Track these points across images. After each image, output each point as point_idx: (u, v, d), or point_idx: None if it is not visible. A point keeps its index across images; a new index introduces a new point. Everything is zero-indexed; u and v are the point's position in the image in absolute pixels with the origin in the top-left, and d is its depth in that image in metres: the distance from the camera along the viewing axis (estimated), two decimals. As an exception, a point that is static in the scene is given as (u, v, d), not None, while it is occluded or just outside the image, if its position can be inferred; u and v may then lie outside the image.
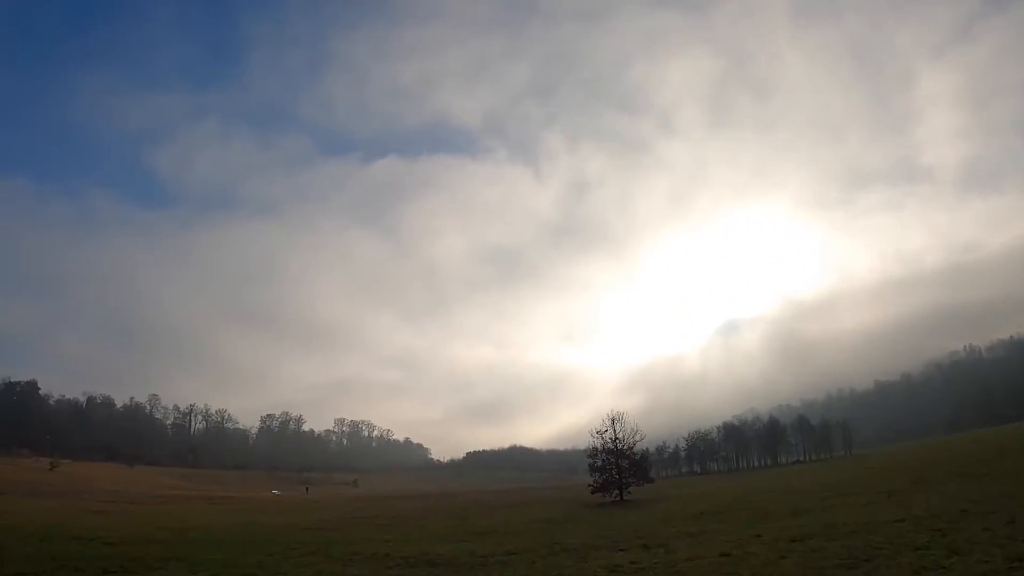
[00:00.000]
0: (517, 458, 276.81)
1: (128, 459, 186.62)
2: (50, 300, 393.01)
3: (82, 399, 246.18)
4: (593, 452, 69.13)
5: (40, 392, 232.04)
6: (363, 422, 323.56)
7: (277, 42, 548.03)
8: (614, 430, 69.43)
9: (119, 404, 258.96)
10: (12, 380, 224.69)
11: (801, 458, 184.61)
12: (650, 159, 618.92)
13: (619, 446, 68.76)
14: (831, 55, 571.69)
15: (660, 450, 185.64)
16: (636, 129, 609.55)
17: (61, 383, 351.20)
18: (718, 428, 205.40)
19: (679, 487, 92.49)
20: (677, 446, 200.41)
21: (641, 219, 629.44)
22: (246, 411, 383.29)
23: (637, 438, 70.68)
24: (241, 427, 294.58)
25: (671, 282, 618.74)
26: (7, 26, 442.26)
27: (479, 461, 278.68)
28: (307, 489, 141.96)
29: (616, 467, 67.73)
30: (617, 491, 66.45)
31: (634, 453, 70.18)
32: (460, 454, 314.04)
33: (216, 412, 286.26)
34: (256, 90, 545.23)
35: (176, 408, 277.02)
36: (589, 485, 67.61)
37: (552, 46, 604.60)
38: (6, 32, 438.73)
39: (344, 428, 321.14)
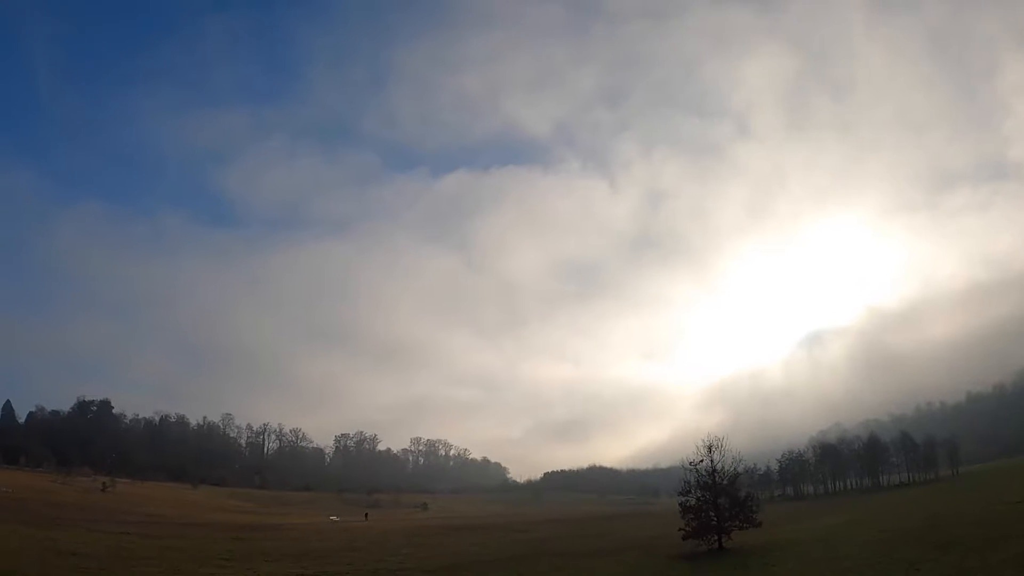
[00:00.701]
0: (597, 479, 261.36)
1: (194, 479, 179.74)
2: (125, 320, 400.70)
3: (155, 418, 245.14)
4: (685, 489, 52.97)
5: (113, 411, 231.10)
6: (440, 441, 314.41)
7: (336, 56, 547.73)
8: (711, 460, 53.17)
9: (193, 424, 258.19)
10: (87, 399, 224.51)
11: (905, 479, 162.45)
12: (726, 165, 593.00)
13: (717, 480, 52.49)
14: (910, 47, 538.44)
15: (750, 472, 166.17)
16: (711, 133, 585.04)
17: (135, 403, 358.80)
18: (813, 448, 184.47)
19: (784, 520, 74.92)
20: (768, 467, 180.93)
21: (719, 228, 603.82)
22: (321, 430, 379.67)
23: (739, 468, 54.20)
24: (316, 446, 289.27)
25: (751, 293, 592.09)
26: (68, 51, 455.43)
27: (558, 482, 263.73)
28: (367, 515, 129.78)
29: (714, 506, 51.32)
30: (715, 537, 50.07)
31: (736, 489, 53.55)
32: (538, 474, 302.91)
33: (291, 431, 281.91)
34: (319, 106, 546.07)
35: (249, 427, 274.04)
36: (681, 530, 51.30)
37: (619, 48, 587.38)
38: (68, 58, 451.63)
39: (420, 447, 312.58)
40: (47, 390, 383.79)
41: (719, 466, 52.39)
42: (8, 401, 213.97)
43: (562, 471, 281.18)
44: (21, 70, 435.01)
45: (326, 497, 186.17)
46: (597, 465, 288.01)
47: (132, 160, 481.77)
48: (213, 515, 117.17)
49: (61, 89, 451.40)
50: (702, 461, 52.62)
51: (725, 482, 52.31)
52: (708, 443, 53.26)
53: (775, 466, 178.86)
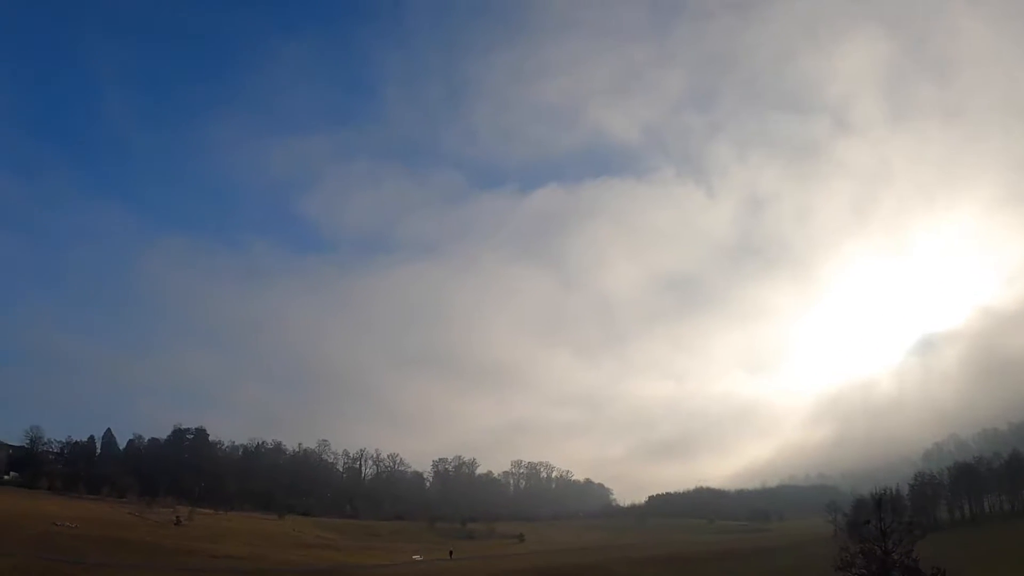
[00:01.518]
0: (704, 501, 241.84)
1: (281, 508, 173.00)
2: (221, 349, 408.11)
3: (251, 445, 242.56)
4: (846, 562, 37.60)
5: (209, 439, 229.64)
6: (541, 463, 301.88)
7: (410, 73, 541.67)
8: (880, 520, 37.68)
9: (289, 450, 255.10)
10: (182, 427, 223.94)
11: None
12: (826, 163, 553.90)
13: (889, 547, 36.90)
14: (1018, 22, 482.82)
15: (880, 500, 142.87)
16: (808, 130, 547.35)
17: (232, 430, 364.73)
18: (949, 468, 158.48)
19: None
20: (897, 491, 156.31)
21: (822, 232, 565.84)
22: (419, 455, 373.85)
23: (914, 529, 38.74)
24: (415, 470, 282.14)
25: (858, 299, 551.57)
26: (141, 85, 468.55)
27: (663, 506, 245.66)
28: (451, 553, 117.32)
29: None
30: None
31: (914, 560, 37.65)
32: (642, 495, 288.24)
33: (388, 457, 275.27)
34: (397, 125, 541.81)
35: (346, 453, 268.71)
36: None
37: (705, 46, 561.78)
38: (141, 93, 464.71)
39: (521, 470, 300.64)
40: (148, 419, 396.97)
41: (890, 527, 36.87)
42: (108, 429, 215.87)
43: (667, 494, 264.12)
44: (99, 107, 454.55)
45: (417, 528, 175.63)
46: (704, 486, 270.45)
47: (215, 191, 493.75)
48: (288, 552, 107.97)
49: (137, 124, 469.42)
50: (867, 522, 37.42)
51: (897, 552, 36.82)
52: (876, 497, 37.98)
53: (888, 482, 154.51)
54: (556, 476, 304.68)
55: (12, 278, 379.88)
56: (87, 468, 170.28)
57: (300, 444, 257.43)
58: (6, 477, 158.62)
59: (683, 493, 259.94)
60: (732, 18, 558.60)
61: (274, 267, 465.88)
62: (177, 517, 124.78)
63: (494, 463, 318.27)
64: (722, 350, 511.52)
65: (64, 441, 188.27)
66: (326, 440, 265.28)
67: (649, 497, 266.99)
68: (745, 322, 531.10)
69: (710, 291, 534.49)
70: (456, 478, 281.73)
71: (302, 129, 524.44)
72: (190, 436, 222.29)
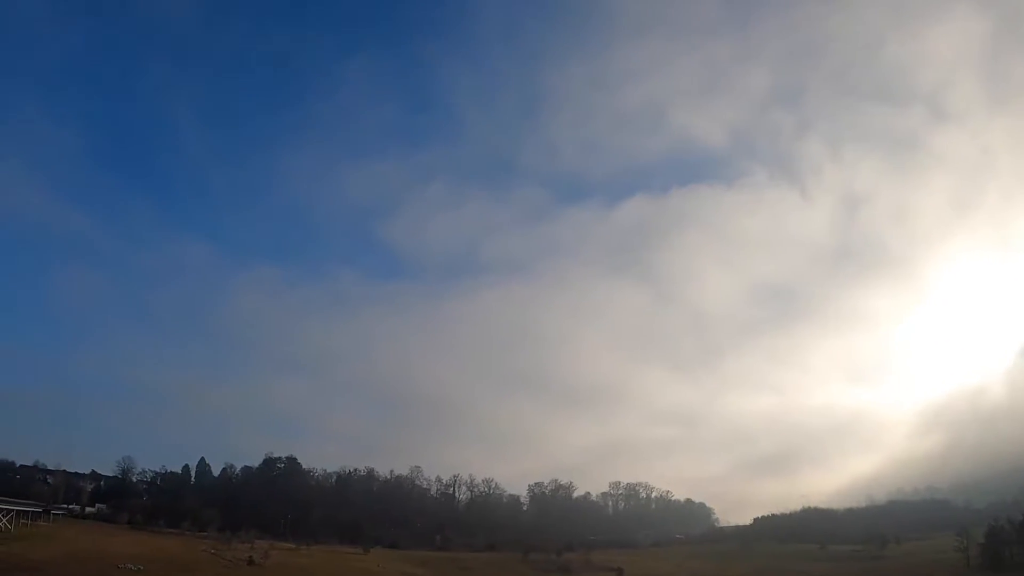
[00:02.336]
0: (812, 523, 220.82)
1: (368, 541, 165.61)
2: (309, 377, 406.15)
3: (343, 472, 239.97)
4: None
5: (301, 467, 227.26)
6: (640, 484, 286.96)
7: (484, 88, 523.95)
8: None
9: (381, 477, 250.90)
10: (273, 455, 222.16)
11: None
12: (924, 155, 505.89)
13: None
14: None
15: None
16: (902, 121, 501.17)
17: (324, 457, 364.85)
18: None
19: None
20: None
21: (922, 229, 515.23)
22: (514, 477, 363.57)
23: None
24: (512, 493, 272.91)
25: (964, 300, 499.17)
26: (218, 123, 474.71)
27: (769, 529, 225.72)
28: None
29: None
30: None
31: None
32: (743, 512, 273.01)
33: (482, 482, 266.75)
34: (474, 143, 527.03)
35: (439, 479, 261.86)
36: None
37: (789, 38, 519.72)
38: (219, 132, 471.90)
39: (620, 491, 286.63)
40: (241, 448, 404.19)
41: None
42: (203, 458, 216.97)
43: (773, 515, 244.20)
44: (174, 143, 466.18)
45: (509, 560, 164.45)
46: (811, 506, 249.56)
47: (295, 221, 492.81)
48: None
49: (213, 158, 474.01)
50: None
51: None
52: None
53: (1002, 492, 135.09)
54: (656, 496, 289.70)
55: (100, 314, 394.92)
56: (171, 501, 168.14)
57: (392, 471, 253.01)
58: (89, 510, 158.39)
59: (790, 515, 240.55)
60: (816, 5, 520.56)
61: (359, 294, 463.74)
62: (251, 556, 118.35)
63: (591, 483, 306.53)
64: (821, 360, 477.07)
65: (157, 471, 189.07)
66: (419, 466, 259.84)
67: (754, 519, 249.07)
68: (844, 330, 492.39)
69: (807, 299, 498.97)
70: (553, 501, 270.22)
71: (378, 153, 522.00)
72: (281, 465, 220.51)
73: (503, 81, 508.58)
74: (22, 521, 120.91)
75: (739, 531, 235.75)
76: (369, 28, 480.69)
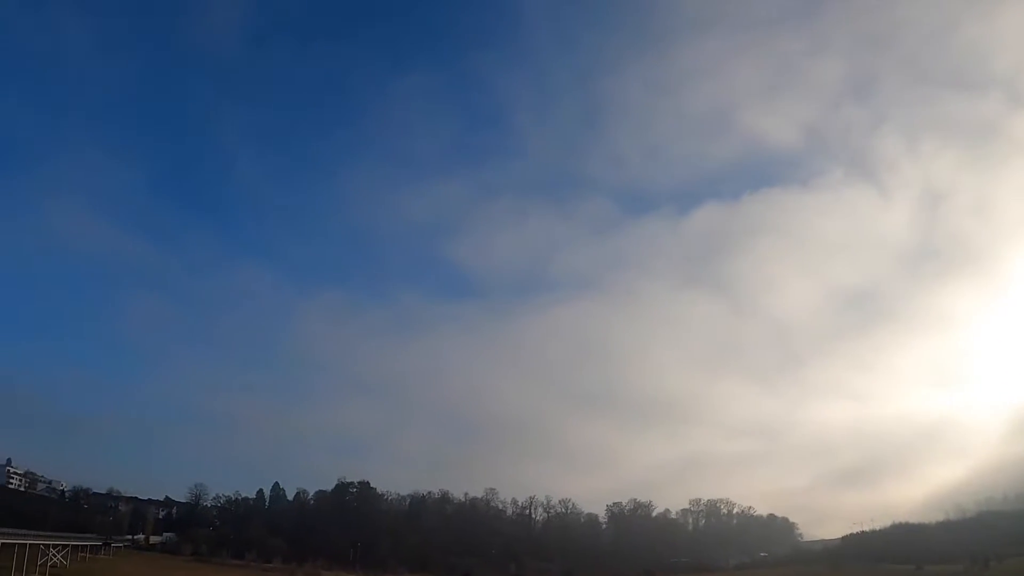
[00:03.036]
0: (903, 540, 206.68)
1: (440, 570, 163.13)
2: (379, 399, 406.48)
3: (417, 496, 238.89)
4: None
5: (375, 491, 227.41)
6: (721, 500, 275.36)
7: (541, 98, 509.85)
8: None
9: (456, 499, 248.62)
10: (346, 480, 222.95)
11: None
12: (1004, 143, 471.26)
13: None
14: None
15: None
16: (980, 109, 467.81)
17: (397, 481, 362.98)
18: None
19: None
20: None
21: (1005, 223, 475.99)
22: (591, 494, 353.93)
23: None
24: (589, 512, 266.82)
25: None
26: (275, 149, 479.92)
27: (859, 547, 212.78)
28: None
29: None
30: None
31: None
32: (827, 526, 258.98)
33: (559, 502, 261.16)
34: (536, 156, 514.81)
35: (515, 501, 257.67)
36: None
37: (859, 26, 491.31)
38: (276, 157, 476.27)
39: (700, 507, 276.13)
40: (314, 472, 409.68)
41: None
42: (276, 483, 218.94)
43: (862, 533, 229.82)
44: (233, 170, 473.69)
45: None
46: (901, 521, 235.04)
47: (358, 243, 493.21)
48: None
49: (272, 183, 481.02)
50: None
51: None
52: None
53: None
54: (737, 512, 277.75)
55: (169, 341, 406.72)
56: (239, 529, 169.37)
57: (466, 493, 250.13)
58: (155, 539, 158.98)
59: (880, 531, 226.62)
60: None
61: (425, 315, 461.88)
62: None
63: (668, 500, 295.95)
64: (904, 365, 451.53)
65: (230, 496, 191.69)
66: (494, 488, 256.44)
67: (843, 537, 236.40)
68: (928, 332, 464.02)
69: (888, 301, 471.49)
70: (632, 520, 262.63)
71: (438, 172, 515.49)
72: (354, 489, 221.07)
73: (561, 91, 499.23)
74: (80, 555, 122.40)
75: (827, 550, 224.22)
76: (419, 45, 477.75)
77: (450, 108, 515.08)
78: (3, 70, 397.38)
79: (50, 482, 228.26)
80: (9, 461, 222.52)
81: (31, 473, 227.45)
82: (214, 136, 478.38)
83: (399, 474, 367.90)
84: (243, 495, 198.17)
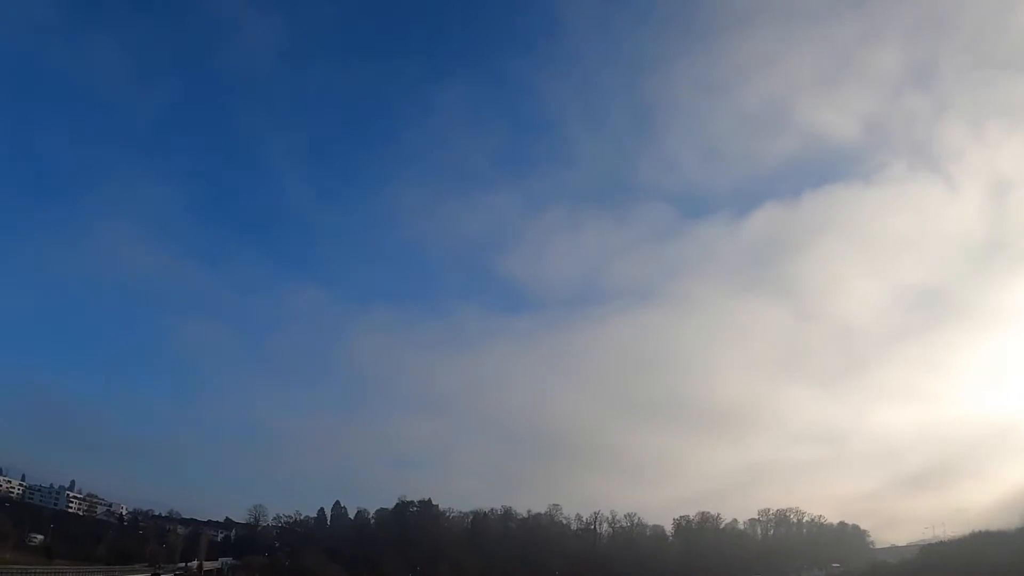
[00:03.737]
0: (983, 550, 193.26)
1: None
2: (437, 416, 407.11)
3: (479, 514, 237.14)
4: None
5: (436, 508, 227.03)
6: (791, 509, 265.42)
7: (587, 102, 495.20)
8: None
9: (518, 515, 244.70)
10: (406, 499, 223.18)
11: None
12: None
13: None
14: None
15: None
16: None
17: (458, 498, 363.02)
18: None
19: None
20: None
21: None
22: (655, 507, 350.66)
23: None
24: (655, 524, 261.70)
25: None
26: (320, 169, 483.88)
27: (938, 558, 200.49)
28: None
29: None
30: None
31: None
32: (901, 534, 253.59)
33: (624, 516, 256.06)
34: (586, 163, 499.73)
35: (579, 517, 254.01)
36: None
37: (916, 10, 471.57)
38: (323, 177, 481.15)
39: (769, 517, 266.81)
40: (374, 490, 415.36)
41: None
42: (337, 502, 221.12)
43: (940, 542, 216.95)
44: (274, 189, 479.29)
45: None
46: (979, 530, 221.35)
47: (409, 260, 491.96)
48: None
49: (312, 200, 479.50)
50: None
51: None
52: None
53: None
54: (807, 520, 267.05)
55: (221, 363, 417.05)
56: (296, 552, 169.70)
57: (529, 510, 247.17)
58: (210, 564, 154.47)
59: (958, 540, 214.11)
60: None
61: (480, 329, 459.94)
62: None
63: (735, 509, 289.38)
64: (974, 364, 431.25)
65: (290, 517, 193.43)
66: (557, 504, 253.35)
67: (921, 547, 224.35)
68: (998, 330, 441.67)
69: (957, 299, 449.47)
70: (700, 534, 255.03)
71: (487, 183, 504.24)
72: (414, 508, 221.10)
73: (608, 95, 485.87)
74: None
75: (903, 562, 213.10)
76: (457, 53, 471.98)
77: (494, 117, 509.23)
78: (47, 101, 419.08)
79: (110, 505, 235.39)
80: (72, 484, 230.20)
81: (92, 496, 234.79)
82: (259, 158, 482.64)
83: (460, 488, 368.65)
84: (304, 515, 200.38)
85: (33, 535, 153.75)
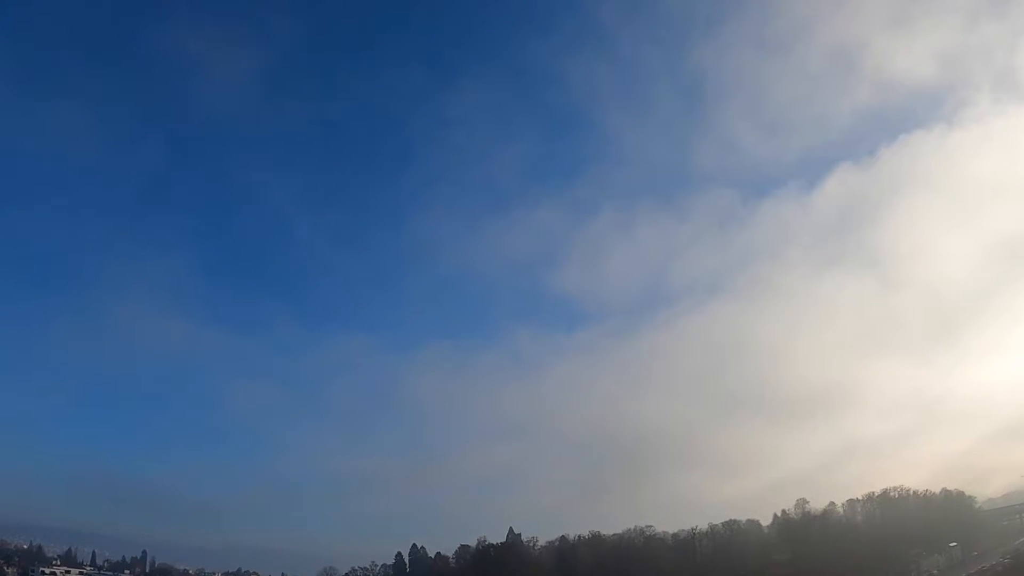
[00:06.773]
0: None
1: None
2: (511, 442, 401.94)
3: (565, 544, 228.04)
4: None
5: (519, 540, 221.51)
6: (895, 487, 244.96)
7: (624, 85, 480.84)
8: None
9: (607, 539, 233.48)
10: (486, 541, 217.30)
11: None
12: None
13: None
14: None
15: None
16: None
17: (541, 525, 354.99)
18: None
19: None
20: None
21: None
22: (751, 501, 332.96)
23: None
24: (750, 519, 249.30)
25: None
26: (327, 208, 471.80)
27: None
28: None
29: None
30: None
31: None
32: (996, 485, 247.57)
33: (723, 525, 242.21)
34: (634, 155, 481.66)
35: (675, 536, 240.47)
36: None
37: None
38: (331, 218, 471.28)
39: (875, 500, 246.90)
40: (452, 528, 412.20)
41: None
42: (413, 545, 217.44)
43: None
44: (289, 239, 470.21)
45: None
46: None
47: (451, 293, 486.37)
48: None
49: (331, 248, 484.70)
50: None
51: None
52: None
53: None
54: (912, 496, 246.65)
55: (277, 420, 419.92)
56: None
57: (617, 534, 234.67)
58: None
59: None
60: None
61: (540, 351, 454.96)
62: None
63: (832, 492, 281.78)
64: None
65: (367, 569, 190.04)
66: (651, 525, 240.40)
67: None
68: None
69: None
70: (802, 527, 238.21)
71: (524, 196, 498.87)
72: (495, 549, 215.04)
73: (648, 73, 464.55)
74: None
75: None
76: (463, 49, 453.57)
77: (519, 118, 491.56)
78: (15, 179, 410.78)
79: (184, 571, 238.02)
80: (144, 554, 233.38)
81: (164, 566, 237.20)
82: (261, 204, 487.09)
83: (545, 506, 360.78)
84: (379, 563, 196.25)
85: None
